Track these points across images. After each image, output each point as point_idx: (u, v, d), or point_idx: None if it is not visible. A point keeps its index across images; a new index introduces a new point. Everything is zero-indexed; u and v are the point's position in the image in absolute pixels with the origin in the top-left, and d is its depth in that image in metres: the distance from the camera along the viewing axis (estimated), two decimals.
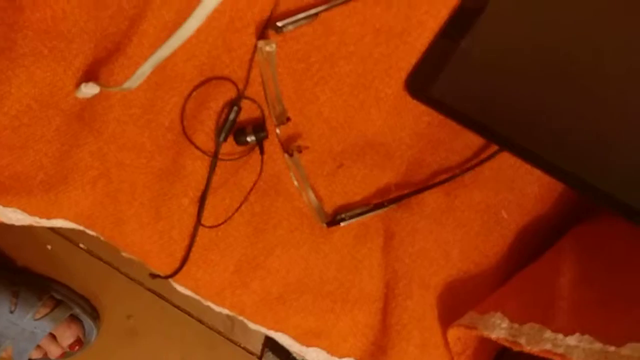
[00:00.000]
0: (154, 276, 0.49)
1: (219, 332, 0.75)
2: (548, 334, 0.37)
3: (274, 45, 0.44)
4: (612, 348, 0.33)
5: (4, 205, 0.45)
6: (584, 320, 0.36)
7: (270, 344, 0.74)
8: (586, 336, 0.35)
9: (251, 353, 0.75)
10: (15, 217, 0.46)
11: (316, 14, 0.44)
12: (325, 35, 0.44)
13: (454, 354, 0.45)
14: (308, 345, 0.48)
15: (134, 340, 0.77)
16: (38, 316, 0.70)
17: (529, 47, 0.43)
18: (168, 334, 0.76)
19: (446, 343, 0.45)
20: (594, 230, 0.43)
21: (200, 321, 0.75)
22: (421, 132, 0.46)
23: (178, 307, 0.75)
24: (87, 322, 0.74)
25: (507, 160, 0.45)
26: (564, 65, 0.42)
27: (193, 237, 0.46)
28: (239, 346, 0.75)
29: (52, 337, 0.72)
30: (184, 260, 0.46)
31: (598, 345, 0.34)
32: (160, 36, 0.44)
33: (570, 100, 0.42)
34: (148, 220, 0.46)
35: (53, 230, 0.73)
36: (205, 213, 0.46)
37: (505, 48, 0.44)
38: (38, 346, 0.72)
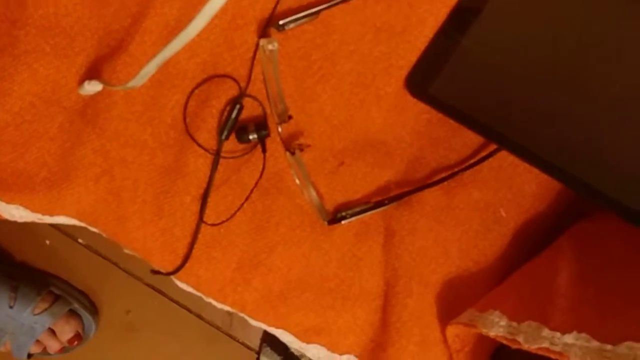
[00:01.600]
0: (155, 272, 0.50)
1: (218, 328, 0.75)
2: (546, 332, 0.37)
3: (275, 44, 0.44)
4: (609, 346, 0.34)
5: (7, 202, 0.46)
6: (581, 319, 0.36)
7: (269, 339, 0.74)
8: (583, 334, 0.35)
9: (250, 348, 0.75)
10: (19, 214, 0.46)
11: (317, 13, 0.44)
12: (326, 33, 0.45)
13: (452, 350, 0.46)
14: (308, 342, 0.48)
15: (133, 336, 0.77)
16: (37, 311, 0.70)
17: (528, 46, 0.43)
18: (167, 329, 0.76)
19: (445, 340, 0.46)
20: (592, 228, 0.44)
21: (199, 316, 0.75)
22: (421, 130, 0.47)
23: (177, 303, 0.75)
24: (86, 317, 0.74)
25: (505, 159, 0.46)
26: (563, 64, 0.43)
27: (195, 234, 0.46)
28: (238, 341, 0.76)
29: (51, 331, 0.72)
30: (186, 257, 0.47)
31: (595, 344, 0.34)
32: (162, 34, 0.44)
33: (569, 100, 0.43)
34: (150, 218, 0.46)
35: (52, 225, 0.73)
36: (208, 210, 0.46)
37: (505, 47, 0.44)
38: (37, 341, 0.72)
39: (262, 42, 0.44)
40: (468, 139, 0.46)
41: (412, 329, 0.46)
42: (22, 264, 0.76)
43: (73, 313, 0.74)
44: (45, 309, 0.71)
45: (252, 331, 0.75)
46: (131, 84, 0.41)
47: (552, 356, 0.36)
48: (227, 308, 0.49)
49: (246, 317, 0.49)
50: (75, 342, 0.73)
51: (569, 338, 0.36)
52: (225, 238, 0.47)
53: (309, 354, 0.49)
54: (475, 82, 0.44)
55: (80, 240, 0.75)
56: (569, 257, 0.42)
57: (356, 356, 0.48)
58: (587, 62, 0.42)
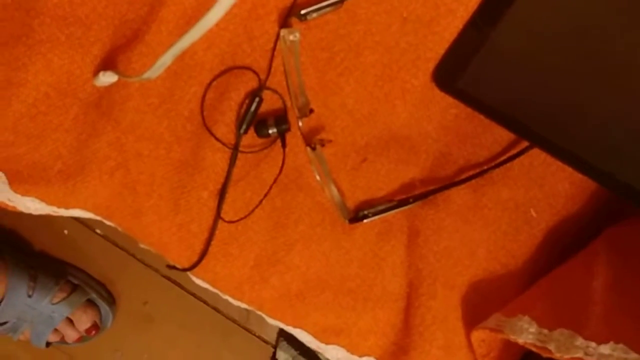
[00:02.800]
0: (171, 268, 0.49)
1: (235, 321, 0.75)
2: (579, 341, 0.36)
3: (297, 34, 0.42)
4: None
5: (22, 195, 0.45)
6: (619, 328, 0.35)
7: (286, 333, 0.73)
8: (620, 345, 0.34)
9: (266, 342, 0.75)
10: (34, 206, 0.46)
11: (341, 2, 0.42)
12: (350, 23, 0.43)
13: (478, 356, 0.44)
14: (327, 343, 0.48)
15: (150, 327, 0.77)
16: (55, 300, 0.70)
17: (562, 39, 0.42)
18: (183, 321, 0.76)
19: (470, 345, 0.45)
20: (630, 231, 0.42)
21: (215, 309, 0.75)
22: (448, 126, 0.45)
23: (194, 295, 0.75)
24: (104, 307, 0.74)
25: (537, 157, 0.44)
26: (599, 58, 0.41)
27: (212, 230, 0.45)
28: (254, 335, 0.75)
29: (69, 321, 0.73)
30: (203, 253, 0.46)
31: (634, 356, 0.33)
32: (179, 23, 0.43)
33: (605, 96, 0.41)
34: (167, 213, 0.46)
35: None
36: (225, 206, 0.45)
37: (537, 39, 0.42)
38: (55, 330, 0.72)
39: (283, 32, 0.42)
40: (498, 136, 0.44)
41: (436, 332, 0.45)
42: (41, 254, 0.76)
43: (91, 303, 0.74)
44: (64, 299, 0.71)
45: (268, 325, 0.74)
46: (147, 75, 0.40)
47: None
48: (244, 305, 0.49)
49: (264, 316, 0.49)
50: (93, 332, 0.74)
51: (605, 349, 0.34)
52: (243, 235, 0.46)
53: (327, 355, 0.49)
54: (506, 75, 0.43)
55: (98, 231, 0.75)
56: (604, 261, 0.40)
57: (376, 358, 0.48)
58: (624, 56, 0.41)
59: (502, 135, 0.44)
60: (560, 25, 0.41)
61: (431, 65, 0.43)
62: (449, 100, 0.44)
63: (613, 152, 0.41)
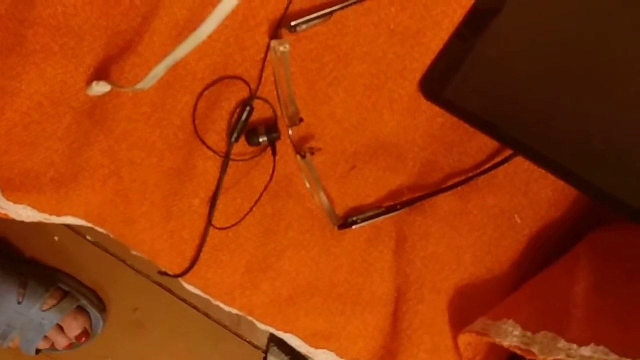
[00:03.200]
0: (163, 274, 0.49)
1: (225, 327, 0.75)
2: (562, 343, 0.36)
3: (287, 46, 0.43)
4: None
5: (14, 202, 0.45)
6: (600, 331, 0.36)
7: (277, 338, 0.74)
8: (602, 347, 0.34)
9: (257, 347, 0.75)
10: (26, 214, 0.46)
11: (330, 14, 0.43)
12: (339, 35, 0.44)
13: (464, 359, 0.45)
14: (317, 348, 0.48)
15: (141, 333, 0.77)
16: (46, 307, 0.70)
17: (546, 50, 0.42)
18: (174, 327, 0.76)
19: (457, 348, 0.45)
20: (611, 237, 0.43)
21: (206, 315, 0.75)
22: (434, 134, 0.46)
23: (185, 301, 0.75)
24: (94, 314, 0.74)
25: (521, 165, 0.45)
26: (582, 68, 0.42)
27: (204, 237, 0.46)
28: (245, 340, 0.75)
29: (60, 328, 0.72)
30: (194, 260, 0.46)
31: (614, 357, 0.34)
32: (172, 34, 0.43)
33: (588, 105, 0.42)
34: (159, 220, 0.46)
35: None
36: (216, 214, 0.46)
37: (522, 50, 0.43)
38: (45, 337, 0.72)
39: (274, 43, 0.43)
40: (483, 144, 0.45)
41: (423, 336, 0.45)
42: (31, 260, 0.76)
43: (81, 310, 0.74)
44: (54, 306, 0.71)
45: (259, 330, 0.74)
46: (140, 85, 0.41)
47: None
48: (235, 311, 0.49)
49: (254, 321, 0.49)
50: (83, 339, 0.73)
51: (586, 351, 0.35)
52: (234, 242, 0.46)
53: (317, 359, 0.49)
54: (491, 85, 0.43)
55: (88, 238, 0.74)
56: (586, 266, 0.41)
57: None
58: (607, 67, 0.41)
59: (487, 144, 0.45)
60: (544, 37, 0.42)
61: (418, 76, 0.44)
62: (436, 109, 0.44)
63: (595, 161, 0.42)
